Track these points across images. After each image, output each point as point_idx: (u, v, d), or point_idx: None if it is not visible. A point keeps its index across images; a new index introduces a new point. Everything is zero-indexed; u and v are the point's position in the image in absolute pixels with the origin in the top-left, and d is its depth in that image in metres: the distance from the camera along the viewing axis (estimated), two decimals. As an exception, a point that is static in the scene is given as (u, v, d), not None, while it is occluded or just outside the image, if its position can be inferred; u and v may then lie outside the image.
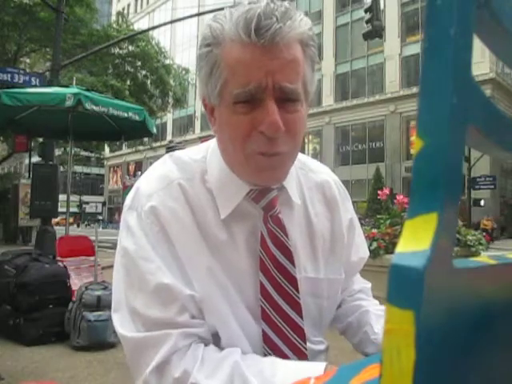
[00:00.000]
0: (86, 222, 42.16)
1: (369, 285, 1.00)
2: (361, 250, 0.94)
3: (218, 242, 0.75)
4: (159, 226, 0.72)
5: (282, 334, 0.76)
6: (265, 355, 0.74)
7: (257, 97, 0.66)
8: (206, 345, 0.71)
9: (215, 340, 0.73)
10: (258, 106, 0.66)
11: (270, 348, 0.75)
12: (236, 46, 0.65)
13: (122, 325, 0.71)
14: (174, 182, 0.76)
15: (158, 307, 0.69)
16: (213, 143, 0.80)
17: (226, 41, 0.66)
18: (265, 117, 0.65)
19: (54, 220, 10.16)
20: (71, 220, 37.95)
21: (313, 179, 0.88)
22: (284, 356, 0.75)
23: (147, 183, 0.77)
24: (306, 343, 0.78)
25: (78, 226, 38.34)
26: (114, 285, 0.75)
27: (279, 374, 0.65)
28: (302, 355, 0.77)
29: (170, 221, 0.73)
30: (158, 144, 26.01)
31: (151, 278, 0.69)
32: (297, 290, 0.77)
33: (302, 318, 0.78)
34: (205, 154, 0.80)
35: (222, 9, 0.72)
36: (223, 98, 0.68)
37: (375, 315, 0.89)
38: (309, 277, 0.81)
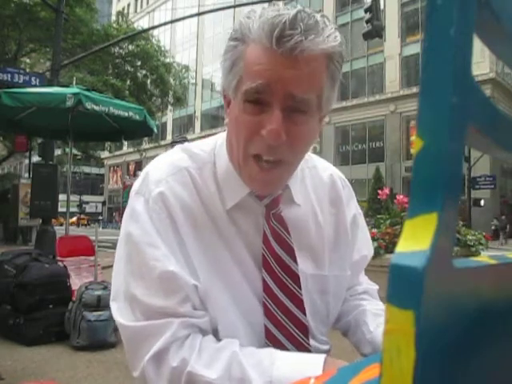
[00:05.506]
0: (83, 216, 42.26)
1: (375, 287, 0.99)
2: (364, 247, 0.93)
3: (223, 232, 0.75)
4: (167, 212, 0.72)
5: (286, 331, 0.76)
6: None
7: (265, 99, 0.66)
8: (204, 336, 0.70)
9: (214, 334, 0.72)
10: (266, 111, 0.67)
11: (273, 344, 0.75)
12: (257, 47, 0.66)
13: (121, 314, 0.71)
14: (184, 169, 0.76)
15: (161, 295, 0.68)
16: (221, 137, 0.81)
17: (250, 40, 0.67)
18: (268, 123, 0.66)
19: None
20: (74, 220, 37.97)
21: (318, 177, 0.88)
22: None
23: (156, 169, 0.76)
24: (309, 339, 0.78)
25: (78, 225, 38.30)
26: (115, 272, 0.74)
27: (278, 363, 0.65)
28: (305, 351, 0.77)
29: (178, 208, 0.72)
30: (157, 144, 25.94)
31: (156, 264, 0.68)
32: (299, 286, 0.78)
33: (305, 314, 0.78)
34: (213, 147, 0.80)
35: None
36: (237, 95, 0.69)
37: (372, 314, 0.88)
38: (315, 274, 0.82)
